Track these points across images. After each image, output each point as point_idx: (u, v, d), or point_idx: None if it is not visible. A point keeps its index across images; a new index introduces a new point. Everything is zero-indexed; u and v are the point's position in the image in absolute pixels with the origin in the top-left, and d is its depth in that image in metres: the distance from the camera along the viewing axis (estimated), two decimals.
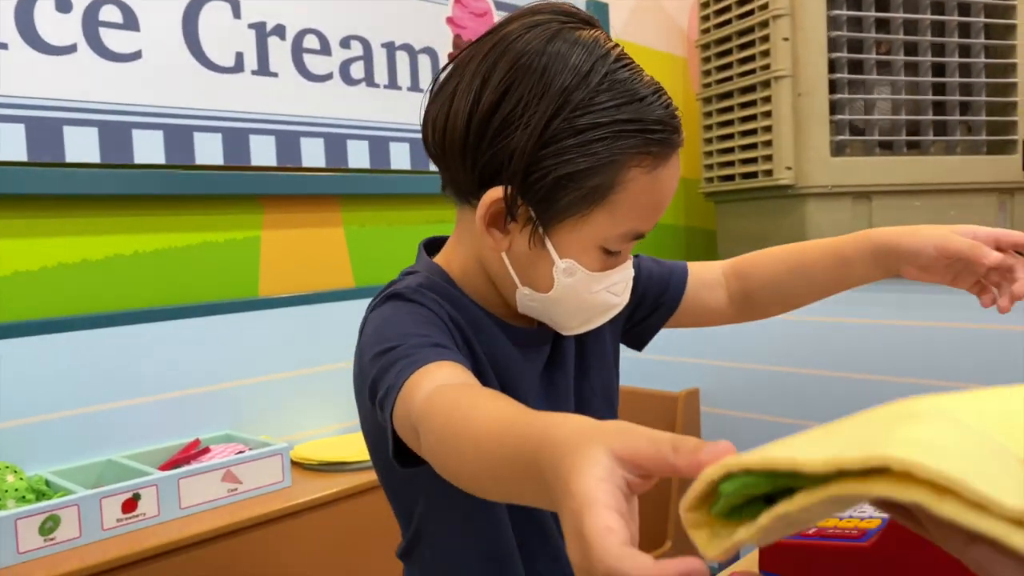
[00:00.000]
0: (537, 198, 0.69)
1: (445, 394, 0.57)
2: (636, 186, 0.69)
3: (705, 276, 0.96)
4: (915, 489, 0.28)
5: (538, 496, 0.43)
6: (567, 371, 0.84)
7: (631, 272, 0.77)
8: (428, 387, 0.58)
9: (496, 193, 0.69)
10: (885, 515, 0.92)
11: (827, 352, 2.08)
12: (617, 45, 0.71)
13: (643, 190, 0.69)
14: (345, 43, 1.81)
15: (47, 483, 1.33)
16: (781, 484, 0.33)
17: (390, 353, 0.65)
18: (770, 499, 0.34)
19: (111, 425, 1.47)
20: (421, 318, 0.70)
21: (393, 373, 0.63)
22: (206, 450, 1.48)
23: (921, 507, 0.28)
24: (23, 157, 1.37)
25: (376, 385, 0.65)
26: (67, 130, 1.42)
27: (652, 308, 0.93)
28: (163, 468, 1.42)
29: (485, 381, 0.75)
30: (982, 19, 2.26)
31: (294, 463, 1.57)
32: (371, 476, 1.51)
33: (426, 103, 0.75)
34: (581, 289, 0.73)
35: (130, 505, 1.27)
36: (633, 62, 0.71)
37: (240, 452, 1.47)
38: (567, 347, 0.84)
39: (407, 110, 1.93)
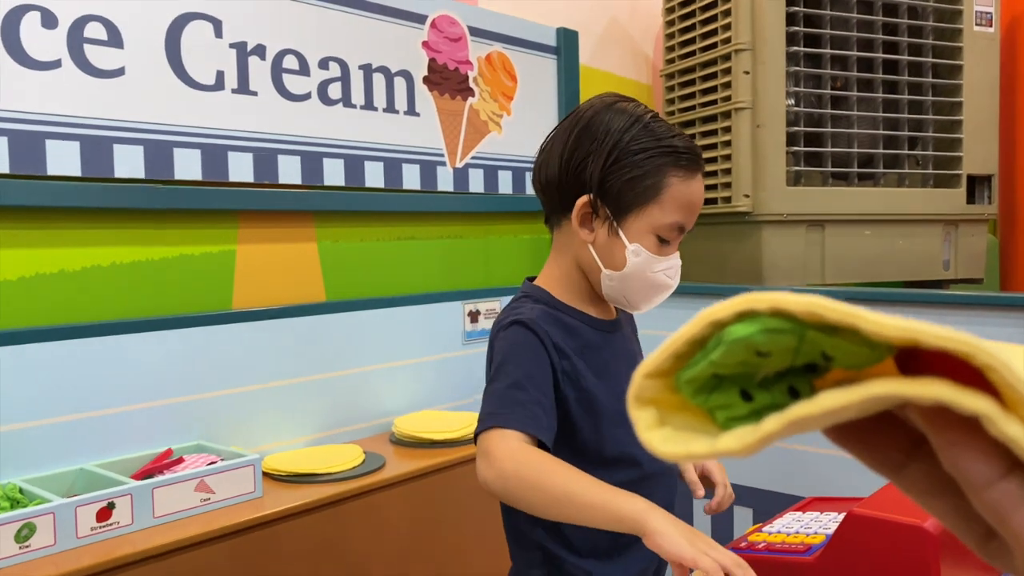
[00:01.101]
0: (610, 199, 1.03)
1: (530, 457, 0.94)
2: (675, 189, 1.02)
3: None
4: (980, 399, 0.24)
5: (618, 523, 0.86)
6: (634, 351, 1.19)
7: (679, 262, 1.07)
8: (507, 445, 0.94)
9: (583, 200, 1.04)
10: (829, 531, 0.99)
11: None
12: (651, 111, 1.07)
13: (680, 192, 1.03)
14: (324, 64, 1.86)
15: (20, 491, 1.35)
16: (804, 351, 0.27)
17: (501, 384, 1.00)
18: (746, 394, 0.29)
19: (84, 434, 1.49)
20: (532, 356, 1.01)
21: (491, 405, 0.99)
22: (179, 460, 1.51)
23: (983, 419, 0.25)
24: (5, 169, 1.40)
25: (484, 401, 1.01)
26: (49, 143, 1.45)
27: None
28: (135, 477, 1.45)
29: (575, 369, 1.04)
30: (931, 59, 2.38)
31: (265, 474, 1.60)
32: (340, 488, 1.55)
33: (536, 159, 1.13)
34: (645, 268, 1.04)
35: (104, 514, 1.30)
36: (663, 119, 1.06)
37: (212, 463, 1.50)
38: (628, 342, 1.18)
39: (382, 130, 1.98)
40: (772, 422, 0.26)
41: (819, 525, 1.03)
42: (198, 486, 1.42)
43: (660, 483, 1.10)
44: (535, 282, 1.15)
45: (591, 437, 1.05)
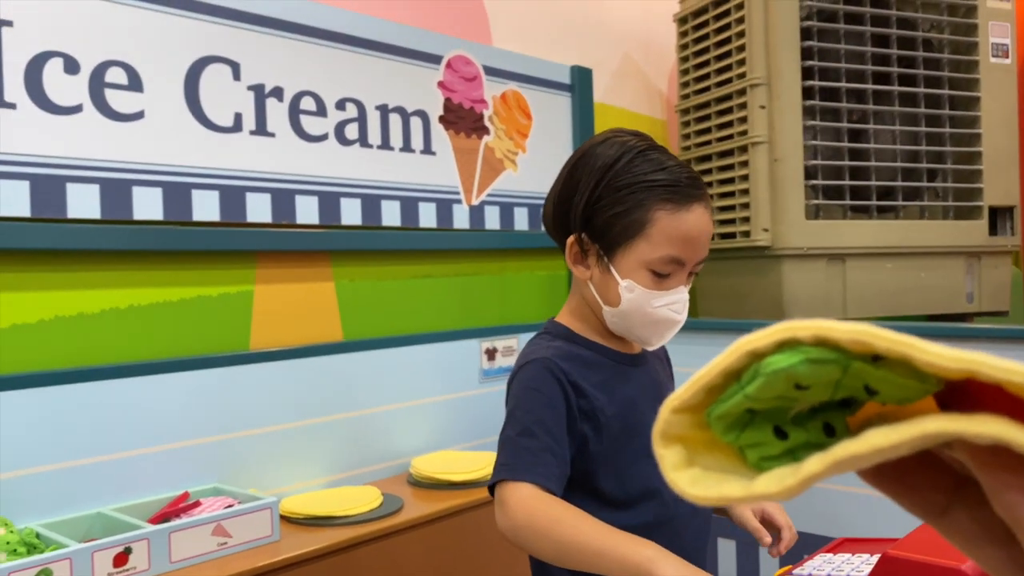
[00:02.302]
0: (597, 235, 1.02)
1: (539, 506, 0.92)
2: (662, 222, 0.98)
3: None
4: None
5: (626, 571, 0.83)
6: (662, 383, 1.13)
7: (686, 296, 1.02)
8: (518, 495, 0.93)
9: (571, 239, 1.04)
10: (862, 574, 0.96)
11: None
12: (649, 143, 1.04)
13: (668, 225, 0.98)
14: (340, 105, 1.87)
15: (37, 536, 1.33)
16: (846, 385, 0.25)
17: (512, 431, 0.98)
18: (779, 431, 0.27)
19: (101, 478, 1.48)
20: (545, 398, 0.98)
21: (504, 455, 0.98)
22: (196, 503, 1.49)
23: None
24: (26, 213, 1.41)
25: (498, 449, 1.00)
26: (70, 187, 1.46)
27: None
28: (152, 521, 1.43)
29: (592, 407, 1.01)
30: (948, 91, 2.37)
31: (282, 517, 1.58)
32: (357, 531, 1.53)
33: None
34: (643, 303, 1.00)
35: (121, 559, 1.28)
36: (664, 150, 1.03)
37: (229, 506, 1.48)
38: (655, 374, 1.12)
39: (399, 169, 1.98)
40: (815, 463, 0.24)
41: (851, 568, 0.99)
42: (215, 530, 1.40)
43: (688, 525, 1.06)
44: (556, 318, 1.13)
45: (612, 475, 1.03)
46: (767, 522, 1.15)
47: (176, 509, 1.48)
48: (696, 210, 0.99)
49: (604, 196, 0.99)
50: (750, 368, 0.26)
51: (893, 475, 0.28)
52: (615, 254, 1.00)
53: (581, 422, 1.00)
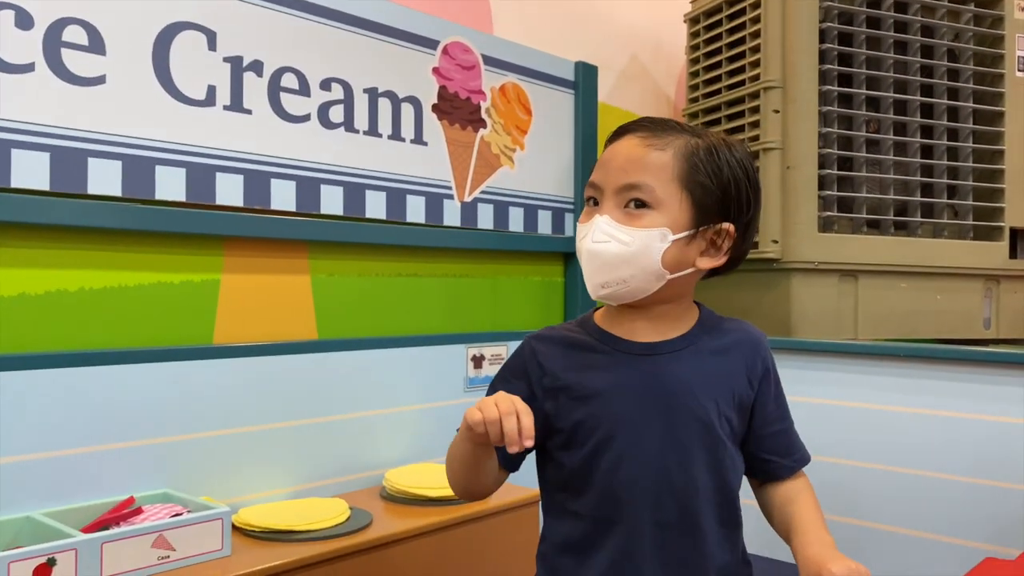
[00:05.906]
0: None
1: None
2: None
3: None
4: None
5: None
6: (670, 389, 0.96)
7: (596, 220, 0.94)
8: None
9: None
10: None
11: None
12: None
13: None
14: (325, 85, 1.73)
15: None
16: None
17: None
18: None
19: (35, 477, 1.32)
20: (507, 373, 1.04)
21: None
22: (138, 511, 1.34)
23: None
24: None
25: None
26: (16, 153, 1.32)
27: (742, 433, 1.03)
28: (88, 529, 1.28)
29: (556, 386, 0.99)
30: (971, 104, 2.25)
31: (236, 529, 1.43)
32: (319, 548, 1.38)
33: None
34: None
35: (43, 571, 1.13)
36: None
37: (177, 514, 1.33)
38: (676, 369, 0.98)
39: (386, 158, 1.85)
40: None
41: None
42: (156, 541, 1.25)
43: (654, 531, 0.94)
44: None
45: (572, 455, 0.98)
46: None
47: (116, 516, 1.33)
48: (619, 140, 0.98)
49: None
50: None
51: None
52: None
53: (544, 400, 0.99)
